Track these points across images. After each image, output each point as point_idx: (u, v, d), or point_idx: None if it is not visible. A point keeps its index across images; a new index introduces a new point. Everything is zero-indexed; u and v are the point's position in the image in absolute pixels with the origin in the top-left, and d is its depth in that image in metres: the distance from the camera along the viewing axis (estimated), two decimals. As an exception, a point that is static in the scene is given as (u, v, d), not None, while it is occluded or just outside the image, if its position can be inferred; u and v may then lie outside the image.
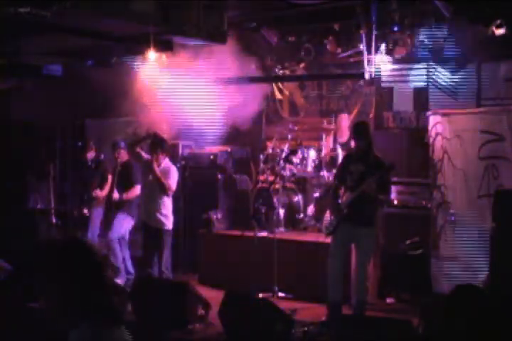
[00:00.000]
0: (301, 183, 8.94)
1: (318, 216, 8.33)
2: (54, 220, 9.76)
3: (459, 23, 7.50)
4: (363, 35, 8.24)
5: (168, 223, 7.68)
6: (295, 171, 8.60)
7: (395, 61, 8.20)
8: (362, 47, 8.32)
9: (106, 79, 8.76)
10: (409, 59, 8.13)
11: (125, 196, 8.07)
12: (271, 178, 8.61)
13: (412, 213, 7.79)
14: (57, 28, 6.32)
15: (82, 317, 2.23)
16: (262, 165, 8.91)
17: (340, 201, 6.66)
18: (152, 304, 6.37)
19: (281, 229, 8.28)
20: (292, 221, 8.60)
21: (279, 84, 10.07)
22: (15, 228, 9.04)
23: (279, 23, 8.98)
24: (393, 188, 7.57)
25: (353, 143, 7.08)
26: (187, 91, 8.68)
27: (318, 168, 8.56)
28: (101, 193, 8.43)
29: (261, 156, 8.98)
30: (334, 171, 7.55)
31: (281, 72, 9.80)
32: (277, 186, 8.39)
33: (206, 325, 6.34)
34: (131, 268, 8.19)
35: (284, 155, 8.55)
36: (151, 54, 7.30)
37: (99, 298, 2.27)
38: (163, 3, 6.21)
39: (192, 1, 6.42)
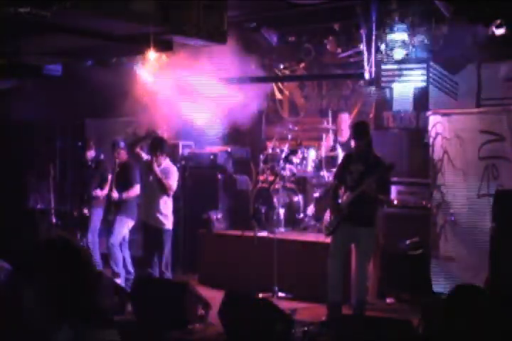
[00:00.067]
0: (301, 183, 8.95)
1: (318, 216, 8.33)
2: (54, 220, 9.77)
3: (459, 23, 7.49)
4: (363, 35, 8.24)
5: (168, 223, 7.69)
6: (295, 171, 8.60)
7: (395, 61, 8.20)
8: (362, 47, 8.32)
9: (106, 79, 8.77)
10: (409, 59, 8.12)
11: (125, 195, 8.07)
12: (271, 178, 8.61)
13: (412, 213, 7.79)
14: (57, 28, 6.32)
15: (63, 317, 2.19)
16: (262, 165, 8.91)
17: (340, 201, 6.66)
18: (152, 304, 6.37)
19: (281, 229, 8.28)
20: (292, 221, 8.60)
21: (279, 84, 10.07)
22: (15, 228, 9.04)
23: (279, 23, 8.97)
24: (393, 188, 7.57)
25: (353, 143, 7.08)
26: (187, 91, 8.68)
27: (318, 167, 8.56)
28: (101, 193, 8.43)
29: (261, 156, 8.97)
30: (334, 171, 7.55)
31: (281, 71, 9.81)
32: (277, 186, 8.39)
33: (206, 325, 6.34)
34: (131, 268, 8.19)
35: (284, 155, 8.55)
36: (151, 54, 7.30)
37: (81, 298, 2.22)
38: (163, 3, 6.20)
39: (192, 1, 6.41)
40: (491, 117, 7.07)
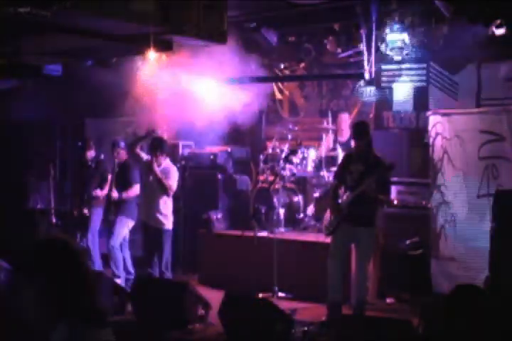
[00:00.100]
0: (301, 183, 8.95)
1: (318, 216, 8.33)
2: (54, 220, 9.76)
3: (459, 23, 7.49)
4: (363, 35, 8.24)
5: (168, 223, 7.69)
6: (295, 171, 8.60)
7: (395, 61, 8.20)
8: (362, 47, 8.32)
9: (106, 79, 8.77)
10: (409, 59, 8.12)
11: (125, 195, 8.07)
12: (271, 178, 8.60)
13: (412, 213, 7.79)
14: (57, 28, 6.32)
15: (58, 317, 2.20)
16: (262, 165, 8.91)
17: (340, 201, 6.66)
18: (152, 304, 6.37)
19: (281, 229, 8.27)
20: (292, 221, 8.60)
21: (279, 84, 10.07)
22: (15, 228, 9.04)
23: (279, 23, 8.97)
24: (393, 188, 7.57)
25: (353, 143, 7.08)
26: (187, 91, 8.68)
27: (318, 168, 8.56)
28: (101, 193, 8.43)
29: (261, 156, 8.98)
30: (334, 171, 7.55)
31: (281, 71, 9.81)
32: (277, 186, 8.39)
33: (206, 325, 6.34)
34: (131, 268, 8.19)
35: (284, 155, 8.55)
36: (151, 54, 7.30)
37: (77, 298, 2.22)
38: (163, 3, 6.20)
39: (192, 1, 6.41)
40: (491, 117, 7.06)
